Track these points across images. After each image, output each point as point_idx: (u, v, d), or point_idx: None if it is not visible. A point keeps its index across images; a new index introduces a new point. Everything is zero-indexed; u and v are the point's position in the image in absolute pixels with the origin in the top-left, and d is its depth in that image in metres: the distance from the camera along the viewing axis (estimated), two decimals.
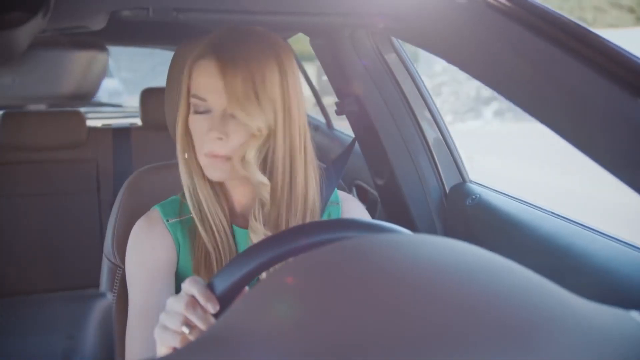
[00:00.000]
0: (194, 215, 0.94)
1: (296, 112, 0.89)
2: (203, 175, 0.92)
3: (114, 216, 1.10)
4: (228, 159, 0.87)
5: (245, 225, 0.96)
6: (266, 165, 0.89)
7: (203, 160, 0.90)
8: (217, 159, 0.87)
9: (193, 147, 0.92)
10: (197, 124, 0.89)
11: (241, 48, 0.87)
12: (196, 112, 0.89)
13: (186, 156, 0.93)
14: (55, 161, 2.28)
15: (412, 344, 0.34)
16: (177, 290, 0.95)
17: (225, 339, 0.38)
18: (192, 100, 0.89)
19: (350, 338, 0.35)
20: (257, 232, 0.90)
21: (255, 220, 0.90)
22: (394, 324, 0.36)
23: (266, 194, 0.89)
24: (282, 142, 0.88)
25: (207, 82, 0.87)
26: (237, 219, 0.97)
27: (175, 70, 1.11)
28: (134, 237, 0.96)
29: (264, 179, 0.88)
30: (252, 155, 0.86)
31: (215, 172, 0.89)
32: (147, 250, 0.94)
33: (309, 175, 0.92)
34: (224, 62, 0.85)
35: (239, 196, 0.96)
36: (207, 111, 0.88)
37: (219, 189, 0.94)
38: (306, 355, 0.34)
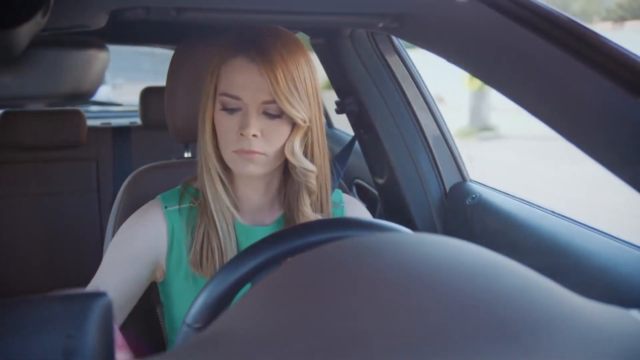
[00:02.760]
0: (204, 207, 0.94)
1: (321, 104, 0.94)
2: (218, 172, 0.93)
3: (114, 216, 1.10)
4: (262, 154, 0.89)
5: (247, 222, 0.98)
6: (307, 154, 0.93)
7: (231, 157, 0.90)
8: (251, 154, 0.88)
9: (216, 144, 0.93)
10: (226, 122, 0.89)
11: (273, 45, 0.88)
12: (224, 110, 0.89)
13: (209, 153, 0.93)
14: (55, 161, 2.28)
15: (411, 343, 0.34)
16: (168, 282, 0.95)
17: (224, 338, 0.38)
18: (222, 99, 0.89)
19: (349, 337, 0.35)
20: (310, 217, 0.95)
21: (305, 206, 0.95)
22: (394, 323, 0.36)
23: (313, 181, 0.94)
24: (317, 132, 0.93)
25: (242, 79, 0.87)
26: (242, 216, 0.98)
27: (176, 70, 1.10)
28: (128, 220, 0.97)
29: (311, 166, 0.93)
30: (297, 146, 0.90)
31: (247, 167, 0.89)
32: (136, 235, 0.95)
33: (327, 164, 0.98)
34: (261, 59, 0.87)
35: (249, 193, 0.97)
36: (237, 109, 0.89)
37: (229, 186, 0.95)
38: (306, 355, 0.34)
